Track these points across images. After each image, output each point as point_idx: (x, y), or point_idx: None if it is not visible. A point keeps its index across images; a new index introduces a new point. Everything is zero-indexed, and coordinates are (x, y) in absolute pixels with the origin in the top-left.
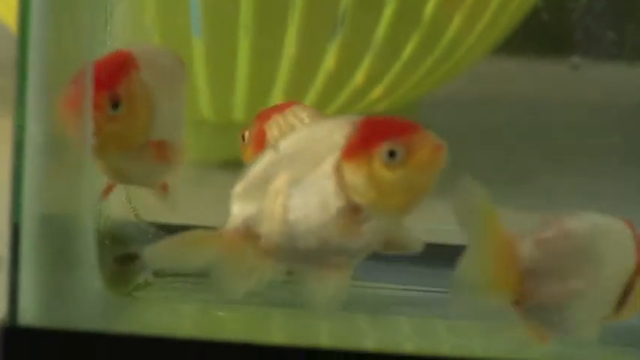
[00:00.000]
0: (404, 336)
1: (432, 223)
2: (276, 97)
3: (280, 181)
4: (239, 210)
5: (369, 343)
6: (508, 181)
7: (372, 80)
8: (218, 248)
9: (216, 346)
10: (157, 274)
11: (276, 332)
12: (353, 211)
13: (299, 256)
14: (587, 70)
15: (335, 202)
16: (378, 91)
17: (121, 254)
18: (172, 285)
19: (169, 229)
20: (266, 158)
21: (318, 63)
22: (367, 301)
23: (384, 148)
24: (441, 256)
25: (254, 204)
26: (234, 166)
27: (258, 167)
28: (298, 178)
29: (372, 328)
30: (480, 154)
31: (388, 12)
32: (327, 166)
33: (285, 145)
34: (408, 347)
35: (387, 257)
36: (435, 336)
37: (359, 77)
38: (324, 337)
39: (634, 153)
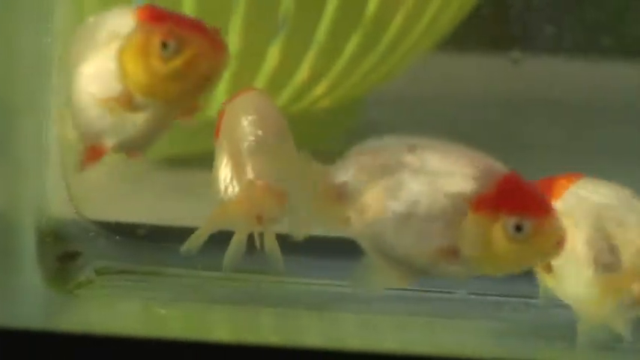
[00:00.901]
0: (348, 332)
1: None
2: (219, 94)
3: None
4: None
5: (313, 339)
6: None
7: (315, 77)
8: None
9: (158, 343)
10: (99, 271)
11: (219, 329)
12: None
13: None
14: (527, 64)
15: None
16: (321, 88)
17: (63, 252)
18: (114, 283)
19: (111, 227)
20: None
21: (261, 61)
22: (311, 297)
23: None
24: None
25: None
26: (177, 163)
27: None
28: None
29: (317, 325)
30: None
31: (330, 9)
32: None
33: None
34: (353, 343)
35: (332, 254)
36: (380, 332)
37: (302, 74)
38: (268, 334)
39: (575, 147)
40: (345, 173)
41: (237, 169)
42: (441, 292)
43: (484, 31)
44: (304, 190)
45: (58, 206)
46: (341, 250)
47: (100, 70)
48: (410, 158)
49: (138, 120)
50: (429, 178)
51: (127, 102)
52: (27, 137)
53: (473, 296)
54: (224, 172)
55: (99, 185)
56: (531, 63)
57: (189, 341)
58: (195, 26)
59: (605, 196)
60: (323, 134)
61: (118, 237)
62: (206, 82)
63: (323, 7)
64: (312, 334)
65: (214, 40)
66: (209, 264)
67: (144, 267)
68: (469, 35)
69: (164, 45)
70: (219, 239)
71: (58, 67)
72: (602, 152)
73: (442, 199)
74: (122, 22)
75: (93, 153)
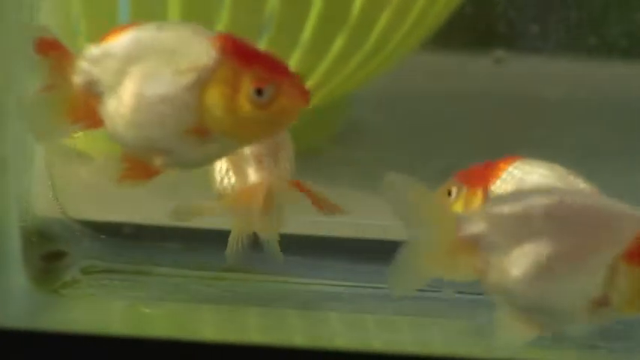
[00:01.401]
0: (334, 331)
1: (361, 219)
2: None
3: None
4: None
5: (299, 338)
6: (437, 175)
7: (300, 77)
8: None
9: (144, 343)
10: (85, 271)
11: (205, 329)
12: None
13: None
14: (511, 64)
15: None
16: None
17: (48, 251)
18: (100, 282)
19: (96, 226)
20: None
21: None
22: (297, 297)
23: None
24: (371, 251)
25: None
26: None
27: None
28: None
29: (303, 324)
30: (409, 148)
31: (315, 9)
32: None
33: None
34: (339, 342)
35: (317, 253)
36: (366, 331)
37: None
38: (254, 333)
39: (559, 146)
40: (483, 224)
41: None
42: (427, 290)
43: (468, 30)
44: (435, 236)
45: (44, 205)
46: (327, 249)
47: (173, 97)
48: (552, 208)
49: (205, 150)
50: (573, 232)
51: (200, 135)
52: (12, 137)
53: (459, 295)
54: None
55: (84, 184)
56: (515, 62)
57: (175, 341)
58: (284, 70)
59: (542, 175)
60: (308, 134)
61: (103, 236)
62: (287, 126)
63: (308, 6)
64: (298, 333)
65: (302, 87)
66: (195, 263)
67: (130, 266)
68: (453, 34)
69: (259, 91)
70: (206, 238)
71: None
72: (585, 150)
73: (591, 252)
74: (201, 50)
75: (140, 171)
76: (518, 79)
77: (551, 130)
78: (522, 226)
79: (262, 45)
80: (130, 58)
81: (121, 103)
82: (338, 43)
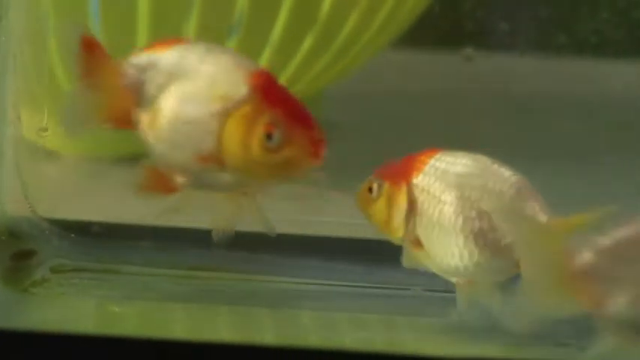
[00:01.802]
0: (305, 329)
1: (331, 217)
2: None
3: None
4: None
5: (269, 337)
6: None
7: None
8: None
9: (114, 341)
10: (54, 270)
11: (175, 327)
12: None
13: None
14: (480, 62)
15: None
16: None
17: (18, 250)
18: (70, 281)
19: (66, 225)
20: None
21: None
22: (268, 295)
23: None
24: (341, 250)
25: None
26: (130, 161)
27: None
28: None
29: (273, 322)
30: (379, 147)
31: (285, 9)
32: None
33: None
34: (310, 341)
35: (287, 251)
36: (337, 329)
37: None
38: (225, 332)
39: (527, 143)
40: (594, 254)
41: None
42: (396, 288)
43: (437, 28)
44: (549, 272)
45: (13, 204)
46: (298, 248)
47: (199, 121)
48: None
49: (220, 179)
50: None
51: (217, 163)
52: None
53: (428, 293)
54: None
55: (53, 183)
56: (484, 60)
57: (145, 339)
58: (302, 119)
59: (465, 165)
60: None
61: (73, 235)
62: (301, 174)
63: (278, 7)
64: (268, 331)
65: (318, 139)
66: (165, 262)
67: (99, 265)
68: (422, 32)
69: (268, 136)
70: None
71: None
72: (554, 147)
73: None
74: (236, 82)
75: (160, 185)
76: (488, 77)
77: (520, 127)
78: (630, 250)
79: (231, 45)
80: (173, 75)
81: (155, 116)
82: (307, 43)
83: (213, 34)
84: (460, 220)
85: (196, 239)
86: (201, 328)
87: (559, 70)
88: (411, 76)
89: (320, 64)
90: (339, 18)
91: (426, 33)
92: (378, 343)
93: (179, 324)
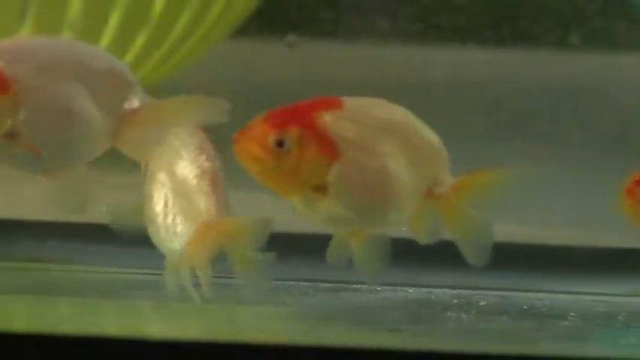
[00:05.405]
0: (146, 319)
1: None
2: None
3: None
4: None
5: (111, 327)
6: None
7: None
8: None
9: None
10: None
11: (15, 320)
12: None
13: None
14: (303, 48)
15: None
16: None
17: None
18: None
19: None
20: None
21: None
22: (101, 285)
23: None
24: None
25: None
26: None
27: None
28: None
29: (114, 312)
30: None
31: (118, 10)
32: None
33: None
34: (152, 331)
35: (127, 241)
36: (178, 319)
37: None
38: (66, 324)
39: None
40: None
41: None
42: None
43: (259, 15)
44: None
45: None
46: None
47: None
48: None
49: None
50: None
51: None
52: None
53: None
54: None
55: None
56: (307, 47)
57: None
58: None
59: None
60: None
61: None
62: None
63: (110, 7)
64: (109, 322)
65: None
66: (1, 254)
67: None
68: (245, 20)
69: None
70: (12, 229)
71: None
72: None
73: None
74: None
75: None
76: (311, 64)
77: None
78: None
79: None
80: None
81: None
82: (140, 41)
83: (47, 33)
84: None
85: (32, 231)
86: (40, 320)
87: (383, 57)
88: (239, 64)
89: (155, 57)
90: (171, 16)
91: (250, 20)
92: (220, 333)
93: (18, 317)
